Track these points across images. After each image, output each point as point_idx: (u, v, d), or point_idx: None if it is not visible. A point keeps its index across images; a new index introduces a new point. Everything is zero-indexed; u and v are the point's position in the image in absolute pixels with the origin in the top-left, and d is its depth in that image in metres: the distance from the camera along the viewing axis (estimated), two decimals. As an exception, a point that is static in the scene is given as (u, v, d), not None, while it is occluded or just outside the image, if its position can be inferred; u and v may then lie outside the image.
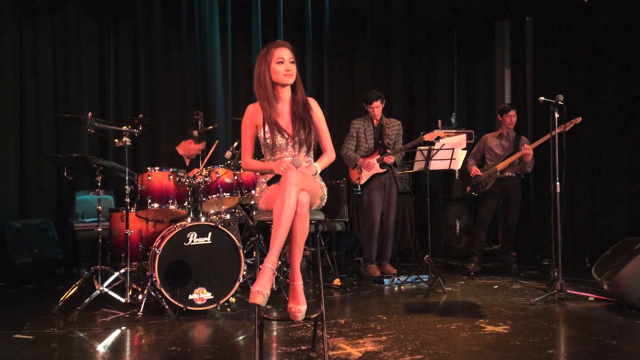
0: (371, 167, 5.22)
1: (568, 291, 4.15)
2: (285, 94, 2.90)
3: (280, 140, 2.83)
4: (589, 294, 4.23)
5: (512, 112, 5.67)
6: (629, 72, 5.83)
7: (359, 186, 5.30)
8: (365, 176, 5.27)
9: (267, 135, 2.84)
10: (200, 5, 6.39)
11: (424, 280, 4.79)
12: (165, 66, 6.35)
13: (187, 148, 5.24)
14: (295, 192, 2.55)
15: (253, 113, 2.90)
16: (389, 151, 5.24)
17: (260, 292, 2.42)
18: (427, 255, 4.73)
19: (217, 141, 5.15)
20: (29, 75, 5.85)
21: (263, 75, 2.83)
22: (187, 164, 5.28)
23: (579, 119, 4.80)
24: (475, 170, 5.61)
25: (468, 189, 5.76)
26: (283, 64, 2.82)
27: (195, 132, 4.81)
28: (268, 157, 2.90)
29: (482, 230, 5.62)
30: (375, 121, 5.38)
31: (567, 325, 3.46)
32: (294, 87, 2.90)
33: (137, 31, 6.22)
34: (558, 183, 4.26)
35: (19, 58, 5.81)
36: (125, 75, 6.20)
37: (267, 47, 2.87)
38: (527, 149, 5.36)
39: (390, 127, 5.37)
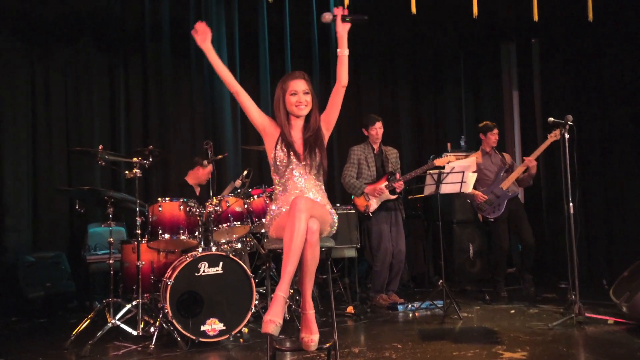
0: (382, 193, 5.11)
1: (586, 314, 4.06)
2: (298, 122, 2.94)
3: (290, 160, 2.85)
4: (608, 317, 4.13)
5: (496, 130, 5.65)
6: (637, 90, 5.80)
7: (370, 214, 5.12)
8: (375, 203, 5.14)
9: (279, 152, 2.85)
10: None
11: (439, 306, 4.72)
12: (175, 97, 6.41)
13: (197, 175, 5.25)
14: (305, 219, 2.54)
15: (274, 123, 2.97)
16: (398, 177, 5.13)
17: (273, 321, 2.40)
18: (441, 280, 4.67)
19: (225, 153, 5.16)
20: (41, 108, 5.93)
21: (278, 103, 2.93)
22: (198, 193, 5.29)
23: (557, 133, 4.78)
24: (480, 195, 5.45)
25: (480, 216, 5.60)
26: (296, 95, 2.87)
27: (206, 162, 4.83)
28: (277, 180, 2.90)
29: (503, 259, 5.52)
30: (375, 147, 5.31)
31: (587, 350, 3.38)
32: (308, 115, 2.94)
33: (146, 64, 6.30)
34: (572, 204, 4.21)
35: (31, 92, 5.89)
36: (136, 107, 6.27)
37: (285, 77, 2.96)
38: (531, 161, 5.28)
39: (390, 154, 5.33)
